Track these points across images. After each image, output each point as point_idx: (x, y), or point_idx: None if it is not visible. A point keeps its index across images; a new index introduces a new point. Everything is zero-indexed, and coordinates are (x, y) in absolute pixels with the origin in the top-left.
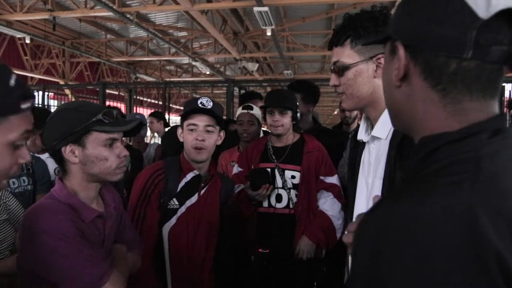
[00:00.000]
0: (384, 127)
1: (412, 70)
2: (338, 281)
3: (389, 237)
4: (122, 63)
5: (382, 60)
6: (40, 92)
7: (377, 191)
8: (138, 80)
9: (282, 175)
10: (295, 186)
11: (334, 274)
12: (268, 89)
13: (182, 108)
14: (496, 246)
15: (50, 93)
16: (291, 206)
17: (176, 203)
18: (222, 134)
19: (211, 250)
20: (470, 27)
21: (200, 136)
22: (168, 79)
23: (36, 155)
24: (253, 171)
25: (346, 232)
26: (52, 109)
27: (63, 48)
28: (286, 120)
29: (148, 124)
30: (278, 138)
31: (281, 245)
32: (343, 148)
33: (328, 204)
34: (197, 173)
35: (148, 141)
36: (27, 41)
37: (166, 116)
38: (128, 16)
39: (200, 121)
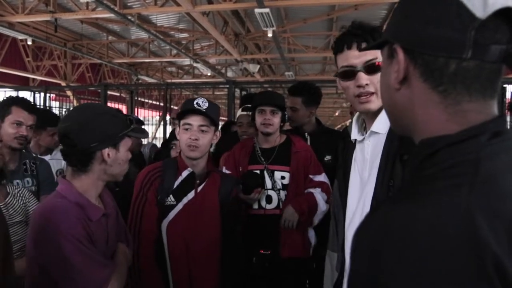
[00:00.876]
0: (385, 122)
1: (411, 73)
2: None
3: (389, 237)
4: (124, 64)
5: None
6: (42, 94)
7: (373, 182)
8: (140, 81)
9: (272, 176)
10: (284, 187)
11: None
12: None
13: None
14: (493, 248)
15: (52, 95)
16: (281, 206)
17: (173, 199)
18: (218, 133)
19: (213, 246)
20: (468, 27)
21: (193, 135)
22: (169, 81)
23: (40, 156)
24: (244, 175)
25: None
26: (54, 110)
27: (65, 50)
28: (276, 120)
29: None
30: (266, 139)
31: (271, 245)
32: None
33: (317, 191)
34: (191, 170)
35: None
36: (29, 42)
37: (167, 118)
38: (129, 17)
39: (194, 121)
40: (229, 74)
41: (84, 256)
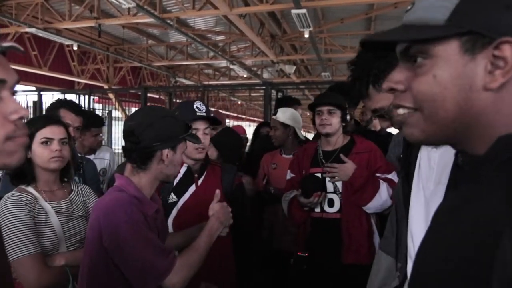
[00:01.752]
0: None
1: None
2: None
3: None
4: (162, 67)
5: None
6: (87, 96)
7: (440, 197)
8: (178, 83)
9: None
10: None
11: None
12: (306, 91)
13: (220, 110)
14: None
15: (95, 97)
16: (342, 211)
17: (174, 196)
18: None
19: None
20: None
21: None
22: (206, 83)
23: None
24: (304, 178)
25: None
26: (97, 112)
27: (107, 54)
28: (334, 120)
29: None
30: (327, 141)
31: (328, 250)
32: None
33: (384, 183)
34: (187, 165)
35: None
36: (75, 47)
37: None
38: (168, 21)
39: (200, 125)
40: (265, 75)
41: (146, 243)
